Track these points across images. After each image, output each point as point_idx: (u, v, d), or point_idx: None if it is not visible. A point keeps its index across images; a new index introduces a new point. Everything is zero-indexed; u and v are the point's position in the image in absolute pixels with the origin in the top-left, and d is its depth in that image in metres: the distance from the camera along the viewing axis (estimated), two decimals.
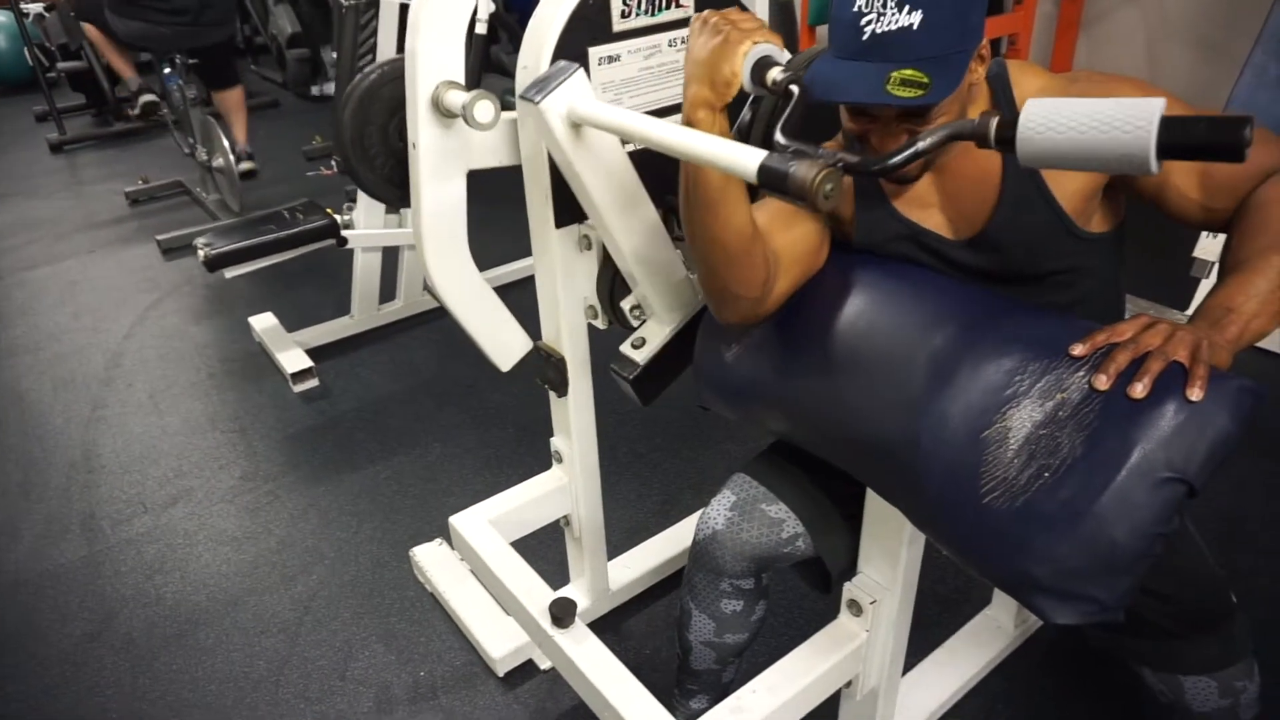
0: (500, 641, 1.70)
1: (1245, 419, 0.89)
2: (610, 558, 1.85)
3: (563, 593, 1.49)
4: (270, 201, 3.04)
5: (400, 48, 2.57)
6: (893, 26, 0.93)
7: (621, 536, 1.98)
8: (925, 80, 0.93)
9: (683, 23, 1.35)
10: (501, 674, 1.70)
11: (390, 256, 2.93)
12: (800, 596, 1.83)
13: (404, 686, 1.71)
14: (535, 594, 1.37)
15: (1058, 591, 0.90)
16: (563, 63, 1.15)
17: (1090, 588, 0.89)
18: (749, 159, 0.89)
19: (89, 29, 4.28)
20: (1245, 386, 0.90)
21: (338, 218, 2.68)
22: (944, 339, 1.02)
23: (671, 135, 0.99)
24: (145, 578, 2.00)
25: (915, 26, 0.92)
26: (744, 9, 1.12)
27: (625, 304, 1.42)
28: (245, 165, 3.99)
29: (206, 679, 1.75)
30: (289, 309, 3.02)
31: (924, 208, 1.14)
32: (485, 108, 1.22)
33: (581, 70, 1.13)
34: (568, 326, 1.45)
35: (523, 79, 1.27)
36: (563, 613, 1.29)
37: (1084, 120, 0.79)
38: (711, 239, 1.06)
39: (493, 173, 1.36)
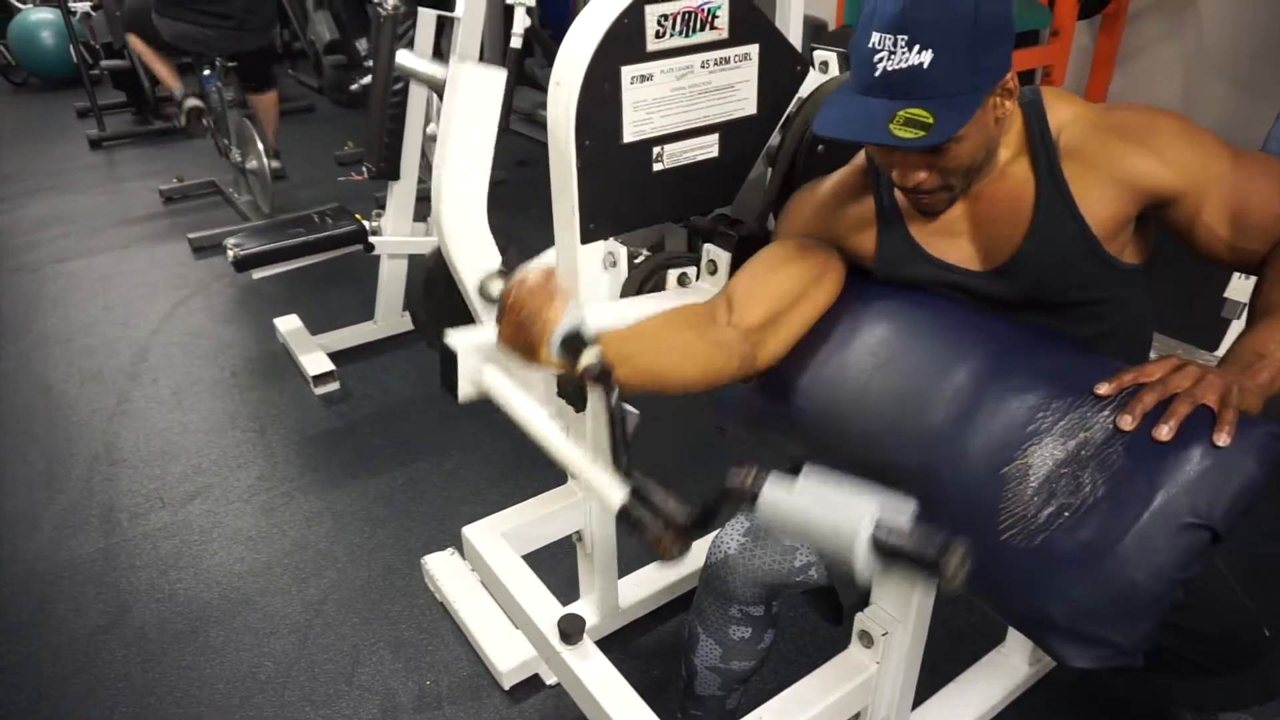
0: (508, 654, 1.70)
1: (1273, 465, 0.88)
2: (622, 575, 1.84)
3: (572, 609, 1.49)
4: (300, 204, 3.08)
5: (436, 51, 2.62)
6: (903, 65, 0.94)
7: (633, 554, 1.97)
8: (929, 120, 0.93)
9: (717, 44, 1.36)
10: (507, 687, 1.69)
11: (415, 263, 2.95)
12: (811, 626, 1.81)
13: (409, 695, 1.71)
14: (544, 609, 1.37)
15: (1074, 633, 0.89)
16: None
17: (1107, 631, 0.87)
18: (612, 496, 0.90)
19: (133, 40, 4.20)
20: (1275, 432, 0.88)
21: (366, 223, 2.71)
22: (967, 372, 1.01)
23: (554, 443, 1.01)
24: (160, 573, 2.02)
25: (925, 65, 0.93)
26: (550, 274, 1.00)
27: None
28: (274, 164, 4.05)
29: (215, 677, 1.76)
30: (314, 312, 3.05)
31: (951, 237, 1.12)
32: None
33: None
34: None
35: (555, 95, 1.28)
36: (571, 629, 1.28)
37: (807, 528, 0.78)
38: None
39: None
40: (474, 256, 1.41)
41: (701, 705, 1.43)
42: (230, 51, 3.73)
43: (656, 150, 1.37)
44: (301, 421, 2.57)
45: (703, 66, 1.36)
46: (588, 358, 0.95)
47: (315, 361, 2.71)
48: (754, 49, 1.40)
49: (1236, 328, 2.51)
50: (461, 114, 1.35)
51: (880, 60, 0.95)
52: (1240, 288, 2.40)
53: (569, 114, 1.26)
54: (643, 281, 1.38)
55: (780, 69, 1.45)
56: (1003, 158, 1.07)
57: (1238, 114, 3.23)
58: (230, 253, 2.51)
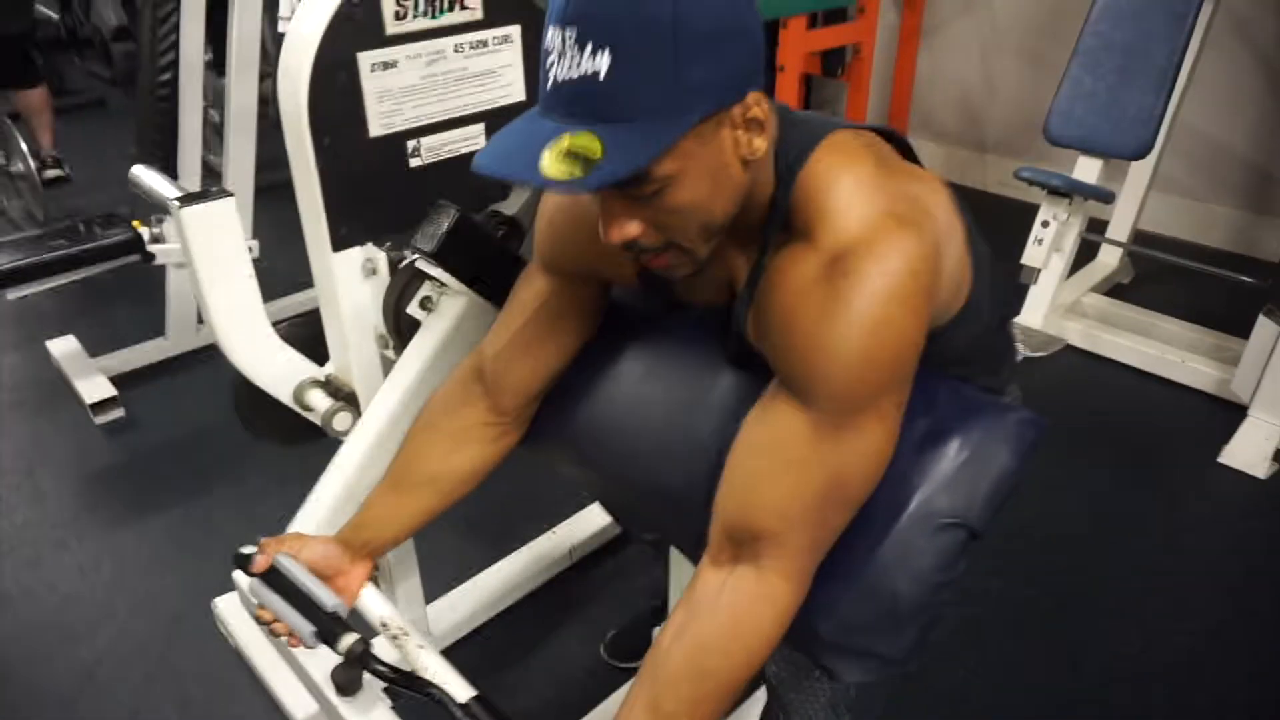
0: (305, 700, 1.55)
1: (1027, 453, 0.86)
2: (438, 595, 1.73)
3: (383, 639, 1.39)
4: (84, 210, 2.76)
5: (212, 39, 2.37)
6: (573, 74, 0.69)
7: (452, 571, 1.85)
8: (595, 150, 0.68)
9: (471, 25, 1.24)
10: None
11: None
12: None
13: None
14: (318, 658, 1.23)
15: (842, 648, 0.84)
16: None
17: (875, 642, 0.84)
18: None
19: None
20: (1025, 418, 0.87)
21: (145, 231, 2.43)
22: (728, 381, 0.95)
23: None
24: None
25: (601, 75, 0.68)
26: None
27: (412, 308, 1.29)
28: (53, 172, 3.63)
29: None
30: (96, 331, 2.73)
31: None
32: (344, 419, 1.34)
33: None
34: (358, 359, 1.32)
35: (283, 89, 1.14)
36: (346, 680, 1.15)
37: None
38: None
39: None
40: (278, 374, 1.37)
41: None
42: None
43: (412, 144, 1.24)
44: (78, 456, 2.30)
45: (456, 51, 1.24)
46: (345, 643, 0.93)
47: (94, 387, 2.42)
48: (514, 30, 1.29)
49: (1035, 294, 2.62)
50: (202, 256, 1.27)
51: (552, 66, 0.70)
52: (1036, 255, 2.51)
53: (300, 109, 1.12)
54: (400, 294, 1.26)
55: None
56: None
57: (1029, 85, 3.39)
58: None
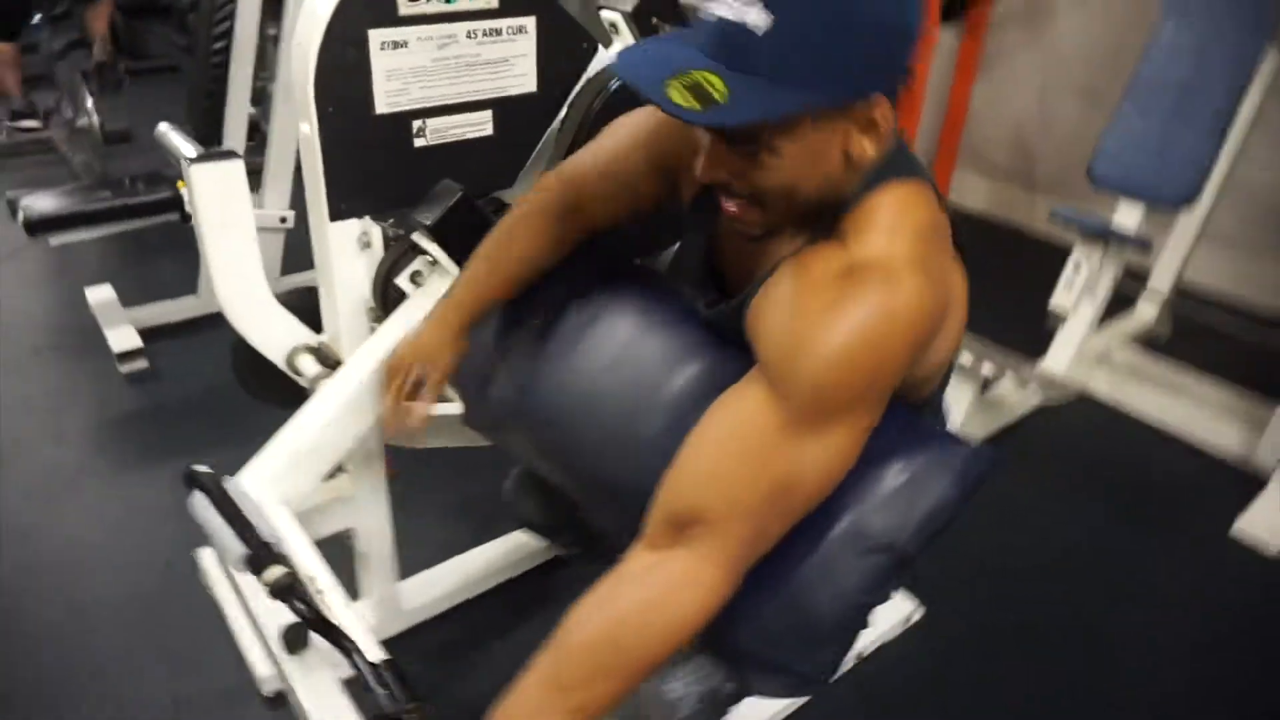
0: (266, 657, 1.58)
1: (971, 487, 0.84)
2: (409, 575, 1.75)
3: (356, 606, 1.47)
4: (145, 168, 2.85)
5: (275, 15, 2.44)
6: (732, 16, 0.73)
7: (431, 553, 1.86)
8: (720, 94, 0.71)
9: (485, 13, 1.26)
10: (266, 693, 1.57)
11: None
12: None
13: (163, 707, 1.57)
14: (272, 613, 1.26)
15: (760, 661, 0.84)
16: None
17: (792, 658, 0.83)
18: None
19: None
20: (976, 453, 0.85)
21: (185, 191, 2.52)
22: (684, 379, 0.95)
23: None
24: None
25: (759, 31, 0.71)
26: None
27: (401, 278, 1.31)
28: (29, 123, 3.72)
29: None
30: (134, 283, 2.83)
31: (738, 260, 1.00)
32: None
33: None
34: (347, 329, 1.35)
35: (295, 56, 1.17)
36: (294, 639, 1.18)
37: None
38: None
39: None
40: (273, 338, 1.40)
41: None
42: None
43: (417, 124, 1.26)
44: (102, 402, 2.38)
45: (469, 37, 1.26)
46: (272, 573, 0.98)
47: (122, 337, 2.50)
48: (529, 21, 1.31)
49: (1060, 338, 2.56)
50: (208, 215, 1.31)
51: (720, 3, 0.74)
52: (1063, 298, 2.45)
53: (307, 76, 1.15)
54: (391, 266, 1.28)
55: (564, 45, 1.36)
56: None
57: (1086, 124, 3.31)
58: (20, 213, 2.29)
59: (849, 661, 1.62)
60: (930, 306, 0.78)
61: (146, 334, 2.56)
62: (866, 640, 1.69)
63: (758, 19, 0.71)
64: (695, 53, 0.75)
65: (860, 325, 0.75)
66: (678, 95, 0.72)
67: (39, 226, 2.30)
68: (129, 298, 2.70)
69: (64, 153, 3.86)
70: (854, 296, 0.76)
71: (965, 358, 2.10)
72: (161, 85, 4.99)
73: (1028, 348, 2.49)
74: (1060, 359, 2.54)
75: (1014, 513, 2.09)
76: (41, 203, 2.32)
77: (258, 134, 2.83)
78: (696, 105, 0.72)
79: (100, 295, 2.69)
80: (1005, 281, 3.24)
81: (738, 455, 0.79)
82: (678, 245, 1.20)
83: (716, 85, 0.72)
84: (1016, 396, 2.43)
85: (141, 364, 2.49)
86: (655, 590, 0.78)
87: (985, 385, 2.28)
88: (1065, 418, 2.47)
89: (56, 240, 2.39)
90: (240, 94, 2.47)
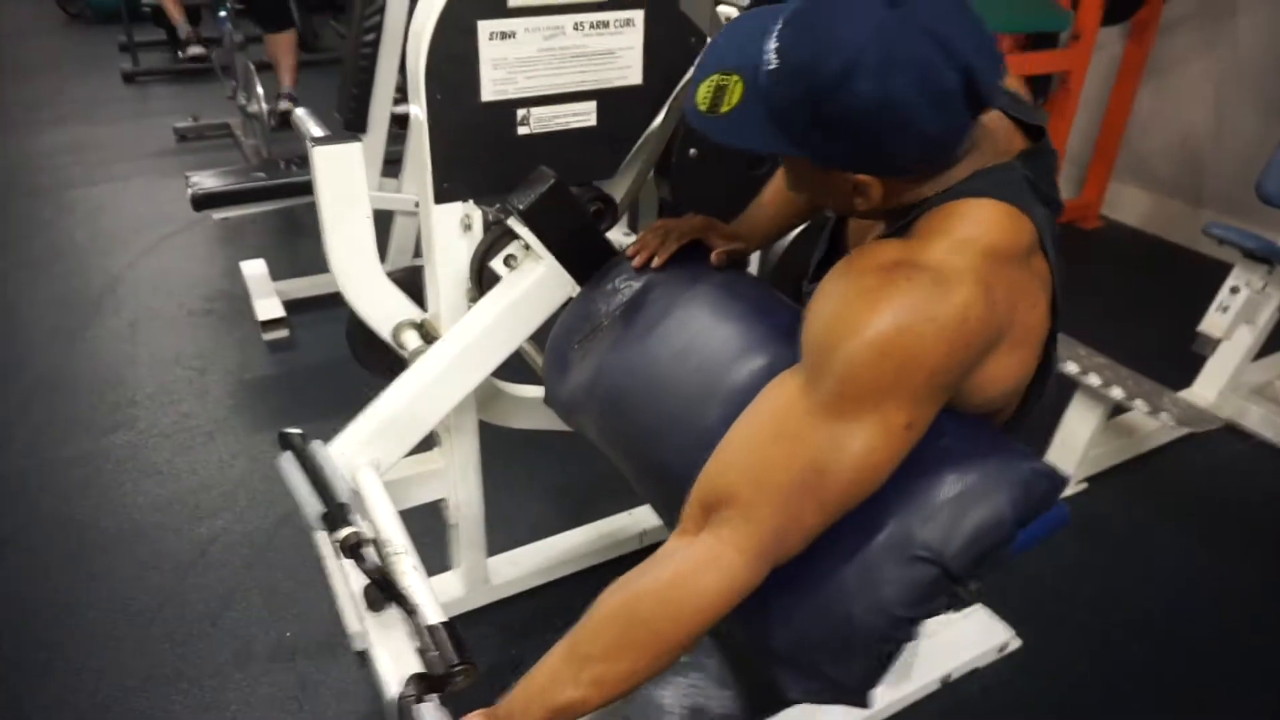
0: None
1: (1032, 508, 0.79)
2: (506, 549, 1.81)
3: (444, 578, 1.60)
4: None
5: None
6: (763, 42, 0.79)
7: (523, 532, 1.92)
8: (729, 105, 0.78)
9: (592, 6, 1.29)
10: (357, 649, 1.67)
11: (384, 219, 2.93)
12: None
13: (267, 643, 1.70)
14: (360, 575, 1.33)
15: (793, 663, 0.82)
16: None
17: (824, 664, 0.80)
18: None
19: None
20: (1040, 469, 0.80)
21: None
22: (747, 373, 0.94)
23: None
24: (63, 499, 2.04)
25: (769, 66, 0.78)
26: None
27: (495, 261, 1.36)
28: (285, 105, 4.06)
29: (86, 604, 1.77)
30: (286, 258, 3.06)
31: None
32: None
33: None
34: (447, 307, 1.41)
35: (412, 45, 1.23)
36: (374, 599, 1.24)
37: None
38: None
39: None
40: (381, 312, 1.49)
41: None
42: None
43: (521, 113, 1.30)
44: (242, 364, 2.58)
45: (576, 29, 1.29)
46: (343, 532, 1.06)
47: (268, 306, 2.71)
48: (638, 15, 1.32)
49: (1211, 366, 2.36)
50: (326, 194, 1.39)
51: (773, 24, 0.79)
52: (1216, 322, 2.25)
53: (419, 63, 1.21)
54: (487, 249, 1.32)
55: (671, 38, 1.37)
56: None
57: (1263, 136, 3.02)
58: (189, 190, 2.52)
59: (933, 684, 1.59)
60: (976, 322, 0.76)
61: (290, 305, 2.77)
62: (956, 664, 1.62)
63: (770, 57, 0.77)
64: (758, 45, 0.78)
65: (895, 315, 0.75)
66: (705, 89, 0.78)
67: (203, 202, 2.52)
68: (278, 271, 2.92)
69: (238, 138, 4.21)
70: (897, 288, 0.76)
71: (1093, 379, 1.96)
72: (331, 75, 5.32)
73: (1173, 376, 2.30)
74: (1208, 388, 2.34)
75: (1144, 550, 1.95)
76: (207, 181, 2.54)
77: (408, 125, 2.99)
78: (708, 107, 0.79)
79: (254, 268, 2.92)
80: (1158, 302, 3.01)
81: (768, 438, 0.79)
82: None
83: (733, 97, 0.78)
84: (1151, 425, 2.25)
85: (283, 333, 2.69)
86: (676, 570, 0.79)
87: (1116, 411, 2.12)
88: (1215, 453, 2.27)
89: (219, 215, 2.62)
90: (386, 84, 2.61)
